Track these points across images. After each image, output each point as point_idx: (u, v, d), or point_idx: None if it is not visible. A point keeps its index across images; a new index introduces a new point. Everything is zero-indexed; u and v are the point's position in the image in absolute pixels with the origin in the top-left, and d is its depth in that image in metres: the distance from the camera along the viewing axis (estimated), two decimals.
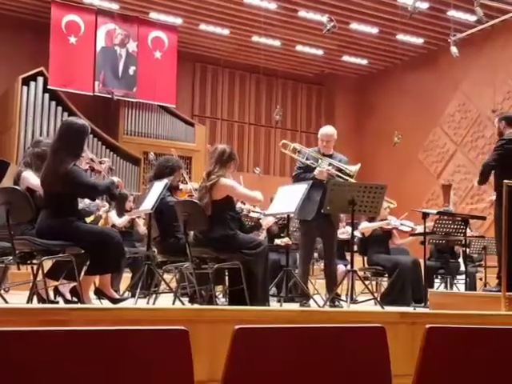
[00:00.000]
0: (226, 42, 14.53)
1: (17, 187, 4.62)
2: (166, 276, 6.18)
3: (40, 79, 12.89)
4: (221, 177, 4.94)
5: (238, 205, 6.34)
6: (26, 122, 12.69)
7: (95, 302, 4.62)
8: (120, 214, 7.32)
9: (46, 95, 12.91)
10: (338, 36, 13.33)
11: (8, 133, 12.97)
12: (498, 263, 5.45)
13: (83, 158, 4.63)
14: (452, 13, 12.29)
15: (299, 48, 14.80)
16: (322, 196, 5.57)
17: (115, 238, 4.45)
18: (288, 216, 5.86)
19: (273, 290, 6.18)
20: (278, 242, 6.90)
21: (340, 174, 5.74)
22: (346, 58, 15.39)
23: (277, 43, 14.42)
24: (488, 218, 7.60)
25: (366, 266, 7.27)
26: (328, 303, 5.58)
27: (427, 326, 1.83)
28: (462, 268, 7.94)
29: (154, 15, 13.53)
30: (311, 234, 5.88)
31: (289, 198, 5.50)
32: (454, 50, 11.32)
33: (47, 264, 4.62)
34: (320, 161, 5.83)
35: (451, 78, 14.05)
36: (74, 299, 4.56)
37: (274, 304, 5.45)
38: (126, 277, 6.98)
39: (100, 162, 4.83)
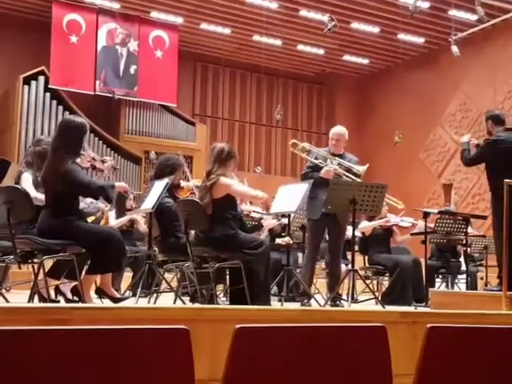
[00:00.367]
0: (227, 41, 14.52)
1: (18, 186, 4.62)
2: (167, 275, 6.18)
3: (41, 78, 12.89)
4: (220, 176, 4.94)
5: (243, 206, 6.34)
6: (27, 121, 12.70)
7: (96, 302, 4.62)
8: (120, 212, 7.31)
9: (47, 94, 12.91)
10: (339, 35, 13.32)
11: (9, 132, 12.97)
12: (498, 263, 5.45)
13: (84, 156, 4.62)
14: (453, 12, 12.29)
15: (300, 47, 14.79)
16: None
17: (116, 237, 4.45)
18: (289, 215, 5.86)
19: (274, 290, 6.18)
20: (278, 241, 6.90)
21: (347, 174, 5.73)
22: (347, 57, 15.39)
23: (278, 42, 14.41)
24: (489, 218, 7.60)
25: (367, 265, 7.26)
26: (329, 302, 5.58)
27: (428, 325, 1.83)
28: (463, 267, 7.94)
29: (154, 14, 13.53)
30: (318, 233, 5.88)
31: (290, 197, 5.50)
32: (454, 49, 11.32)
33: (48, 263, 4.62)
34: (328, 160, 5.83)
35: (452, 78, 14.05)
36: (75, 298, 4.57)
37: (274, 303, 5.45)
38: (127, 276, 6.97)
39: (102, 161, 4.82)
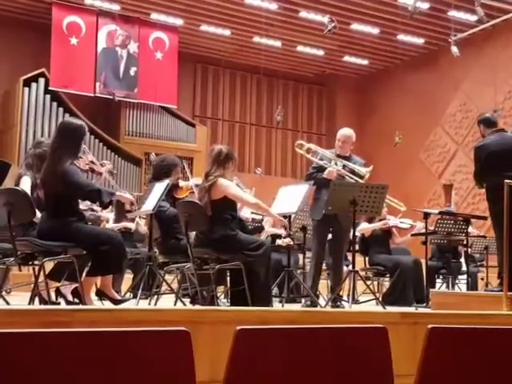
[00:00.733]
0: (227, 42, 14.53)
1: (18, 188, 4.63)
2: (168, 277, 6.18)
3: (41, 80, 12.90)
4: (219, 177, 4.95)
5: (243, 213, 6.32)
6: (27, 122, 12.71)
7: (97, 303, 4.62)
8: (120, 214, 7.31)
9: (48, 96, 12.93)
10: (338, 36, 13.33)
11: (9, 133, 12.98)
12: (499, 263, 5.45)
13: (83, 159, 4.63)
14: (453, 13, 12.29)
15: (300, 48, 14.80)
16: None
17: (116, 239, 4.45)
18: (289, 217, 5.86)
19: (275, 291, 6.18)
20: (279, 242, 6.91)
21: (351, 176, 5.72)
22: (346, 58, 15.40)
23: (278, 44, 14.42)
24: (489, 218, 7.59)
25: (368, 266, 7.26)
26: (330, 303, 5.58)
27: (429, 326, 1.83)
28: (464, 268, 7.93)
29: (154, 16, 13.54)
30: (322, 233, 5.88)
31: (290, 198, 5.50)
32: (454, 49, 11.32)
33: (49, 265, 4.62)
34: (333, 161, 5.83)
35: (452, 78, 14.05)
36: (76, 300, 4.56)
37: (275, 304, 5.45)
38: (128, 278, 6.97)
39: (101, 165, 4.83)
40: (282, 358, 1.67)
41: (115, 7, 13.16)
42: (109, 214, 7.43)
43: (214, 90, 15.77)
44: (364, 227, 7.13)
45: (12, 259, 4.39)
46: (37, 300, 4.42)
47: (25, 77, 12.78)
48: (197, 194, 5.38)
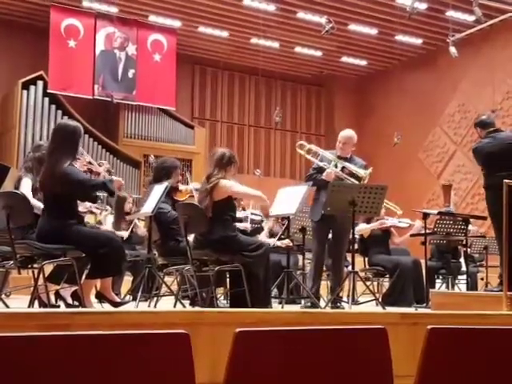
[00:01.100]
0: (225, 44, 14.54)
1: (17, 191, 4.63)
2: (167, 279, 6.18)
3: (40, 83, 12.90)
4: (220, 179, 4.95)
5: (245, 214, 6.33)
6: (26, 125, 12.71)
7: (96, 306, 4.62)
8: (120, 216, 7.31)
9: (46, 99, 12.93)
10: (336, 37, 13.34)
11: (8, 136, 12.98)
12: (501, 264, 5.45)
13: (80, 160, 4.63)
14: (450, 13, 12.30)
15: (298, 49, 14.81)
16: None
17: (115, 241, 4.45)
18: (288, 218, 5.86)
19: (274, 292, 6.18)
20: (278, 243, 6.91)
21: (349, 178, 5.71)
22: (344, 58, 15.41)
23: (275, 45, 14.43)
24: (489, 219, 7.59)
25: (367, 266, 7.26)
26: (330, 304, 5.58)
27: (429, 326, 1.83)
28: (464, 268, 7.93)
29: (152, 18, 13.55)
30: (321, 233, 5.88)
31: (289, 199, 5.50)
32: (452, 50, 11.32)
33: (48, 268, 4.62)
34: (333, 163, 5.82)
35: (450, 78, 14.06)
36: (75, 303, 4.56)
37: (275, 306, 5.45)
38: (127, 280, 6.97)
39: (99, 165, 4.84)
40: (281, 360, 1.67)
41: (113, 10, 13.15)
42: (108, 219, 7.44)
43: (212, 92, 15.78)
44: (362, 228, 7.13)
45: (11, 262, 4.39)
46: (36, 303, 4.41)
47: (23, 80, 12.78)
48: (197, 196, 5.38)
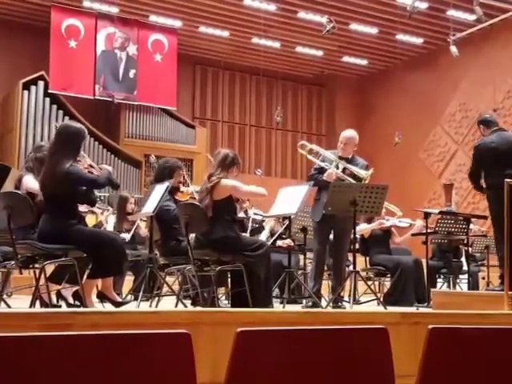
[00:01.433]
0: (226, 43, 14.54)
1: (18, 191, 4.63)
2: (169, 279, 6.18)
3: (41, 83, 12.91)
4: (222, 178, 4.95)
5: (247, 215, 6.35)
6: (27, 126, 12.72)
7: (98, 306, 4.62)
8: (121, 216, 7.32)
9: (47, 99, 12.93)
10: (337, 37, 13.33)
11: (9, 137, 12.99)
12: (500, 263, 5.45)
13: (81, 162, 4.64)
14: (451, 12, 12.30)
15: (299, 49, 14.81)
16: None
17: (117, 241, 4.46)
18: (289, 217, 5.86)
19: (275, 292, 6.18)
20: (279, 243, 6.90)
21: (349, 179, 5.70)
22: (345, 58, 15.40)
23: (276, 44, 14.43)
24: (490, 218, 7.59)
25: (368, 266, 7.26)
26: (331, 304, 5.58)
27: (430, 326, 1.83)
28: (465, 267, 7.93)
29: (153, 18, 13.55)
30: (323, 235, 5.87)
31: (290, 199, 5.50)
32: (453, 49, 11.32)
33: (49, 268, 4.62)
34: (334, 163, 5.81)
35: (451, 78, 14.05)
36: (77, 303, 4.57)
37: (276, 306, 5.44)
38: (129, 280, 6.97)
39: (100, 169, 4.84)
40: (282, 360, 1.67)
41: (114, 10, 13.16)
42: (110, 219, 7.44)
43: (213, 92, 15.78)
44: (362, 228, 7.13)
45: (13, 262, 4.39)
46: (38, 303, 4.41)
47: (24, 80, 12.79)
48: (197, 196, 5.38)
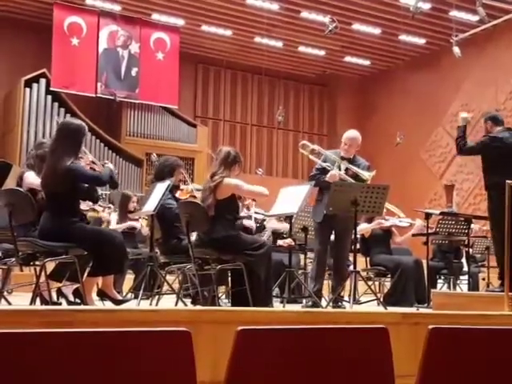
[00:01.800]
0: (228, 42, 14.54)
1: (19, 189, 4.63)
2: (169, 277, 6.18)
3: (42, 81, 12.91)
4: (224, 177, 4.95)
5: (249, 213, 6.35)
6: (28, 123, 12.72)
7: (98, 304, 4.63)
8: (123, 214, 7.33)
9: (49, 97, 12.94)
10: (340, 37, 13.33)
11: (11, 134, 12.99)
12: (498, 263, 5.44)
13: (83, 159, 4.64)
14: (454, 13, 12.29)
15: (301, 49, 14.80)
16: None
17: (117, 239, 4.46)
18: (291, 217, 5.86)
19: (276, 291, 6.18)
20: (280, 242, 6.91)
21: (352, 181, 5.69)
22: (348, 58, 15.40)
23: (279, 44, 14.43)
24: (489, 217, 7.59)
25: (369, 266, 7.26)
26: (331, 304, 5.58)
27: (430, 326, 1.83)
28: (465, 268, 7.93)
29: (156, 16, 13.55)
30: (324, 235, 5.87)
31: (291, 198, 5.50)
32: (456, 50, 11.31)
33: (50, 265, 4.63)
34: (336, 164, 5.80)
35: (453, 78, 14.04)
36: (77, 300, 4.57)
37: (276, 305, 5.45)
38: (129, 278, 6.98)
39: (102, 165, 4.84)
40: (282, 359, 1.67)
41: (116, 8, 13.17)
42: (112, 216, 7.45)
43: (215, 91, 15.78)
44: (363, 227, 7.13)
45: (13, 259, 4.40)
46: (38, 300, 4.42)
47: (26, 77, 12.79)
48: (199, 195, 5.38)
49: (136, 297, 5.44)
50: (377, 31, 13.68)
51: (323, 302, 5.88)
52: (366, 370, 1.78)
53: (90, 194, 4.59)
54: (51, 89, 12.87)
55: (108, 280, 4.57)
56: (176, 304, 5.09)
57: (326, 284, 7.07)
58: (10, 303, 4.56)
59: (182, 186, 6.06)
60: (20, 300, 4.91)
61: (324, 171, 5.81)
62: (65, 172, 4.28)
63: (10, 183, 5.01)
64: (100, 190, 5.82)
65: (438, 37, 13.77)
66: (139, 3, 12.93)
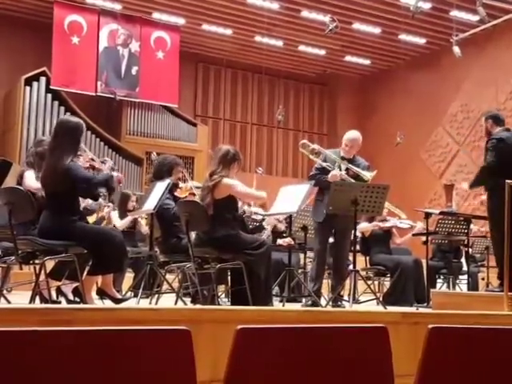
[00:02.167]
0: (229, 42, 14.53)
1: (19, 187, 4.63)
2: (169, 276, 6.19)
3: (43, 79, 12.90)
4: (223, 177, 4.95)
5: (245, 208, 6.35)
6: (28, 121, 12.71)
7: (97, 302, 4.63)
8: (122, 213, 7.33)
9: (49, 95, 12.93)
10: (340, 36, 13.32)
11: (11, 132, 12.99)
12: (497, 263, 5.44)
13: (83, 156, 4.64)
14: (454, 13, 12.28)
15: (302, 48, 14.80)
16: None
17: (117, 238, 4.46)
18: (290, 216, 5.86)
19: (275, 290, 6.18)
20: (280, 241, 6.91)
21: (352, 180, 5.68)
22: (348, 58, 15.39)
23: (279, 43, 14.42)
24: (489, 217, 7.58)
25: (368, 266, 7.26)
26: (330, 303, 5.58)
27: (429, 326, 1.83)
28: (465, 268, 7.93)
29: (156, 15, 13.55)
30: (324, 234, 5.87)
31: (291, 198, 5.50)
32: (456, 50, 11.31)
33: (49, 264, 4.63)
34: (337, 164, 5.80)
35: (454, 78, 14.04)
36: (77, 299, 4.57)
37: (276, 304, 5.45)
38: (129, 277, 6.98)
39: (102, 162, 4.84)
40: (282, 358, 1.67)
41: (117, 6, 13.16)
42: (113, 214, 7.45)
43: (215, 90, 15.77)
44: (363, 226, 7.14)
45: (13, 258, 4.40)
46: (38, 299, 4.42)
47: (26, 76, 12.78)
48: (197, 193, 5.38)
49: (135, 296, 5.44)
50: (377, 31, 13.67)
51: (322, 302, 5.88)
52: (365, 369, 1.78)
53: (90, 191, 4.57)
54: (51, 87, 12.86)
55: (107, 279, 4.57)
56: (176, 303, 5.09)
57: (326, 283, 7.08)
58: (9, 302, 4.57)
59: (180, 184, 6.06)
60: (19, 298, 4.91)
61: (324, 171, 5.81)
62: (64, 171, 4.28)
63: (10, 181, 5.01)
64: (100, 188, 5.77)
65: (439, 36, 13.76)
66: (140, 2, 12.92)
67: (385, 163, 14.30)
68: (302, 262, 7.33)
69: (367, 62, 15.64)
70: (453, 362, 1.85)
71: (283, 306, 5.48)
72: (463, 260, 8.20)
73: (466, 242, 7.34)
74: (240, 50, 15.02)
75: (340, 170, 5.78)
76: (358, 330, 1.84)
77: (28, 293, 4.50)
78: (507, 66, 12.94)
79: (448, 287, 7.95)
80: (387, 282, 7.34)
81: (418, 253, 7.68)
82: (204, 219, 4.86)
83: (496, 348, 1.91)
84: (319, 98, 17.00)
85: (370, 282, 6.73)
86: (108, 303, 4.55)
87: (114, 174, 4.72)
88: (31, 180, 4.84)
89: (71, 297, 4.69)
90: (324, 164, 5.85)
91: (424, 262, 6.86)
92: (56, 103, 12.98)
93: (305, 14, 12.91)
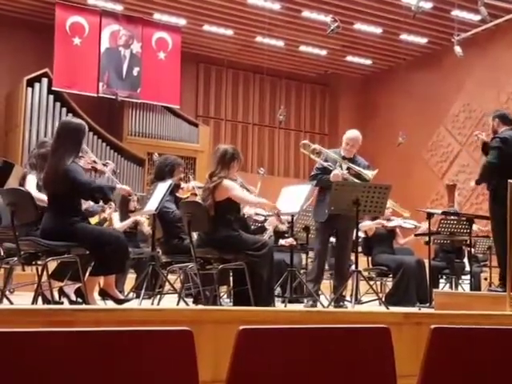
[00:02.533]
0: (230, 42, 14.54)
1: (21, 188, 4.64)
2: (171, 277, 6.19)
3: (44, 80, 12.91)
4: (223, 178, 4.94)
5: (247, 210, 6.35)
6: (30, 123, 12.72)
7: (100, 303, 4.63)
8: (123, 214, 7.33)
9: (51, 96, 12.94)
10: (341, 36, 13.31)
11: (13, 134, 13.00)
12: (499, 264, 5.43)
13: (85, 158, 4.64)
14: (456, 12, 12.27)
15: (303, 48, 14.79)
16: None
17: (119, 239, 4.46)
18: (292, 216, 5.85)
19: (277, 291, 6.18)
20: (282, 242, 6.91)
21: (355, 180, 5.68)
22: (349, 58, 15.39)
23: (280, 43, 14.42)
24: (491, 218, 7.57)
25: (371, 266, 7.26)
26: (333, 303, 5.58)
27: (432, 326, 1.82)
28: (467, 268, 7.92)
29: (157, 16, 13.56)
30: (325, 235, 5.87)
31: (293, 198, 5.49)
32: (458, 49, 11.30)
33: (52, 265, 4.63)
34: (338, 163, 5.80)
35: (455, 78, 14.03)
36: (79, 300, 4.57)
37: (278, 304, 5.45)
38: (131, 278, 6.99)
39: (104, 165, 4.84)
40: (284, 358, 1.67)
41: (118, 7, 13.17)
42: (115, 215, 7.45)
43: (216, 90, 15.78)
44: (366, 224, 7.13)
45: (15, 259, 4.40)
46: (40, 300, 4.42)
47: (28, 77, 12.79)
48: (199, 193, 5.39)
49: (138, 296, 5.44)
50: (378, 31, 13.67)
51: (325, 302, 5.88)
52: (367, 369, 1.78)
53: (85, 196, 4.56)
54: (53, 88, 12.87)
55: (110, 279, 4.57)
56: (178, 303, 5.09)
57: (328, 284, 7.08)
58: (11, 302, 4.57)
59: (182, 185, 6.06)
60: (22, 299, 4.92)
61: (325, 171, 5.81)
62: (65, 173, 4.29)
63: (12, 183, 5.02)
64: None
65: (440, 36, 13.75)
66: (141, 3, 12.93)
67: (386, 163, 14.29)
68: (303, 262, 7.32)
69: (368, 62, 15.63)
70: (455, 362, 1.84)
71: (285, 306, 5.47)
72: (466, 260, 8.19)
73: (468, 242, 7.33)
74: (241, 51, 15.03)
75: (341, 169, 5.78)
76: (361, 331, 1.83)
77: (30, 294, 4.51)
78: (509, 65, 12.93)
79: (450, 287, 7.94)
80: (389, 283, 7.34)
81: (420, 253, 7.68)
82: (206, 220, 4.86)
83: (498, 348, 1.91)
84: (320, 99, 17.00)
85: (372, 283, 6.73)
86: (110, 304, 4.55)
87: (118, 186, 4.70)
88: (32, 188, 4.83)
89: (73, 297, 4.69)
90: (325, 164, 5.85)
91: (426, 262, 6.85)
92: (58, 104, 12.99)
93: (306, 14, 12.91)
